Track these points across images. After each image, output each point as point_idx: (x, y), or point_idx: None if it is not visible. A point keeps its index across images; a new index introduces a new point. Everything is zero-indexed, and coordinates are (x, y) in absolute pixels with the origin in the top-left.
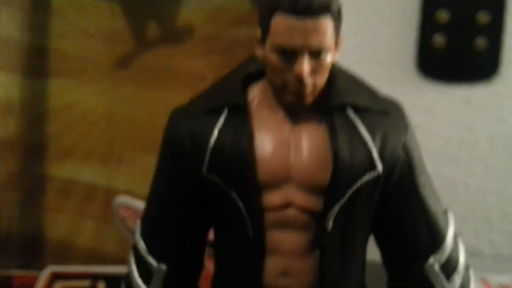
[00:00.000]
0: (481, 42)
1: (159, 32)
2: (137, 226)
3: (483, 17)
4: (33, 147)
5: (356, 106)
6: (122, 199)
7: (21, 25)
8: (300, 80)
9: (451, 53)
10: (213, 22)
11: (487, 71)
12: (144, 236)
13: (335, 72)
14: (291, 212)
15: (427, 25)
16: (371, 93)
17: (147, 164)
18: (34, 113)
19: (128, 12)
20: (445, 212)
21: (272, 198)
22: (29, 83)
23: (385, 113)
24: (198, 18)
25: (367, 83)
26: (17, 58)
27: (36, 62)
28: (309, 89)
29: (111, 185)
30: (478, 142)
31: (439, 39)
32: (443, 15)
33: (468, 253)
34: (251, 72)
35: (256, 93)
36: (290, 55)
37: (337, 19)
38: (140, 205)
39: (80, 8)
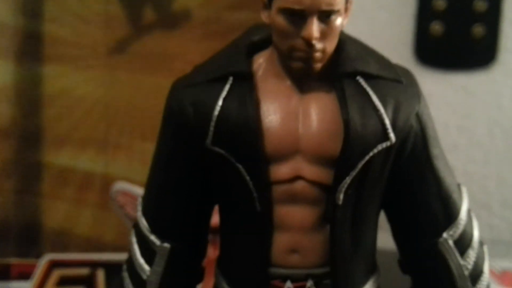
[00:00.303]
0: (478, 30)
1: (155, 17)
2: (138, 204)
3: (480, 5)
4: (29, 134)
5: (367, 73)
6: (120, 185)
7: (15, 10)
8: (309, 44)
9: (448, 41)
10: (210, 6)
11: (485, 59)
12: (145, 213)
13: (344, 39)
14: (300, 185)
15: (424, 13)
16: (382, 61)
17: (145, 151)
18: (29, 99)
19: None
20: (459, 186)
21: (280, 170)
22: (23, 69)
23: (397, 81)
24: (195, 1)
25: (377, 51)
26: (10, 43)
27: (30, 48)
28: (318, 54)
29: (108, 172)
30: (477, 129)
31: (436, 27)
32: (440, 3)
33: None
34: (256, 41)
35: (261, 62)
36: (298, 17)
37: None
38: (139, 191)
39: None
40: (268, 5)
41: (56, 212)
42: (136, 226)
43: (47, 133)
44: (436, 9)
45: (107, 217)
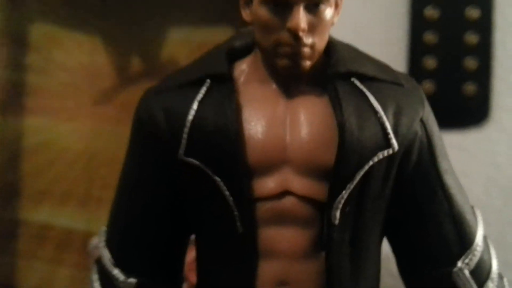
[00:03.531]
0: (470, 88)
1: (143, 66)
2: (100, 234)
3: (470, 63)
4: (7, 189)
5: (363, 74)
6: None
7: None
8: (295, 37)
9: (440, 99)
10: (197, 55)
11: (478, 116)
12: (109, 244)
13: (335, 42)
14: (289, 202)
15: (415, 72)
16: (379, 64)
17: None
18: (9, 152)
19: (109, 45)
20: (473, 208)
21: (266, 184)
22: (4, 121)
23: (398, 85)
24: (183, 51)
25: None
26: None
27: (13, 99)
28: (306, 49)
29: (90, 229)
30: (474, 187)
31: (427, 86)
32: (430, 62)
33: None
34: (237, 47)
35: (244, 67)
36: (282, 8)
37: None
38: None
39: (59, 43)
40: (249, 1)
41: (33, 273)
42: (99, 261)
43: (26, 188)
44: (426, 68)
45: (87, 278)
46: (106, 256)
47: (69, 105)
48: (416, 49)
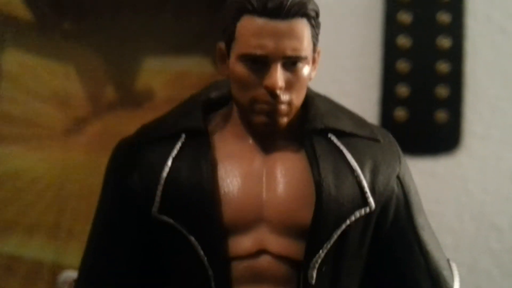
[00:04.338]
0: (441, 115)
1: (117, 96)
2: (70, 286)
3: (442, 91)
4: None
5: (340, 130)
6: (69, 274)
7: None
8: (273, 94)
9: (412, 127)
10: (174, 86)
11: (449, 143)
12: None
13: (313, 95)
14: (265, 261)
15: (388, 99)
16: (356, 118)
17: None
18: None
19: (83, 74)
20: (448, 262)
21: (241, 243)
22: None
23: (374, 140)
24: (159, 81)
25: (350, 109)
26: None
27: None
28: (283, 107)
29: (59, 261)
30: (446, 214)
31: (400, 113)
32: (403, 90)
33: None
34: (214, 98)
35: (219, 120)
36: (260, 65)
37: (315, 24)
38: None
39: (32, 71)
40: (226, 54)
41: None
42: None
43: None
44: (399, 96)
45: None
46: None
47: (41, 134)
48: (389, 77)
